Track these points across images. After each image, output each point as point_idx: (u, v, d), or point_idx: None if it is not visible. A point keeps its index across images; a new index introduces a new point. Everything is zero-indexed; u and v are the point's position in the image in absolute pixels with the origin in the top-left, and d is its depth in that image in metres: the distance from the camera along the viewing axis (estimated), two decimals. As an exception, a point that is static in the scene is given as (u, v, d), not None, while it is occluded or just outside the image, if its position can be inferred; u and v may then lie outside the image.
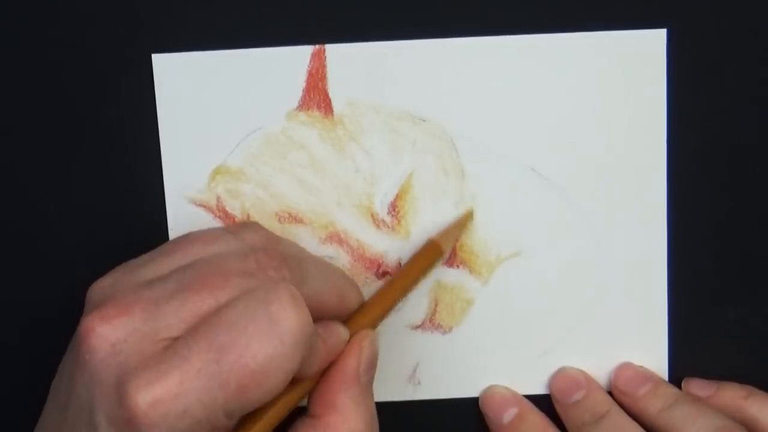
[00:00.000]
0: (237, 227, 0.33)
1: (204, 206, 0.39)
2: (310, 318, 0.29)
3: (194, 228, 0.39)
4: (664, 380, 0.39)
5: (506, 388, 0.40)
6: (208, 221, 0.39)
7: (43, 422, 0.31)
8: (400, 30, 0.38)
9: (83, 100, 0.38)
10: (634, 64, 0.38)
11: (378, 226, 0.39)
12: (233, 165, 0.39)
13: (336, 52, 0.38)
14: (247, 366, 0.27)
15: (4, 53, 0.38)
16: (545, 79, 0.38)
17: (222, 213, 0.39)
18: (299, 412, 0.31)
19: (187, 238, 0.32)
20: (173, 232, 0.39)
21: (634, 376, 0.39)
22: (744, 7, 0.38)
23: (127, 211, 0.39)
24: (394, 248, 0.39)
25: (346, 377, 0.32)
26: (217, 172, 0.39)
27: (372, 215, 0.39)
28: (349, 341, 0.32)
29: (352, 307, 0.34)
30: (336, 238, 0.39)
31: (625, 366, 0.39)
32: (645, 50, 0.38)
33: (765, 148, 0.39)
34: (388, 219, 0.39)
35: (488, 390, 0.40)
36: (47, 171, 0.39)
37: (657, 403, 0.38)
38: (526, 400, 0.39)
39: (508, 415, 0.39)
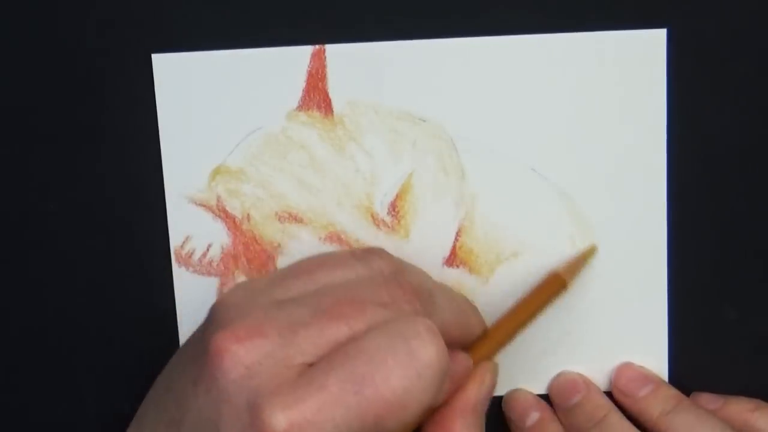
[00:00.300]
0: (363, 253, 0.33)
1: (204, 206, 0.39)
2: (447, 353, 0.29)
3: (195, 228, 0.39)
4: (665, 382, 0.39)
5: (530, 392, 0.40)
6: (208, 221, 0.39)
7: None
8: (400, 30, 0.38)
9: (83, 100, 0.38)
10: (634, 64, 0.38)
11: (378, 226, 0.39)
12: (233, 165, 0.39)
13: (336, 52, 0.38)
14: (386, 398, 0.28)
15: (4, 53, 0.38)
16: (545, 79, 0.38)
17: (222, 213, 0.39)
18: None
19: (315, 262, 0.32)
20: (173, 232, 0.39)
21: (636, 377, 0.39)
22: (744, 7, 0.38)
23: (127, 211, 0.39)
24: (394, 248, 0.39)
25: (465, 407, 0.32)
26: (217, 172, 0.39)
27: (372, 215, 0.39)
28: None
29: (475, 335, 0.35)
30: (336, 238, 0.39)
31: (626, 366, 0.39)
32: (645, 50, 0.38)
33: (765, 148, 0.39)
34: (388, 219, 0.39)
35: (512, 393, 0.40)
36: (47, 171, 0.39)
37: (657, 405, 0.38)
38: (548, 406, 0.40)
39: (531, 419, 0.39)
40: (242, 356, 0.28)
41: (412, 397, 0.28)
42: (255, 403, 0.27)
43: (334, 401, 0.27)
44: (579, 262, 0.39)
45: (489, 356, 0.35)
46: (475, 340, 0.35)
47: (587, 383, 0.39)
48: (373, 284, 0.31)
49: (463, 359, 0.33)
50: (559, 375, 0.40)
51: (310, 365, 0.28)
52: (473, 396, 0.32)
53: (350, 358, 0.28)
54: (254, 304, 0.30)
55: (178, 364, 0.31)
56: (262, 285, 0.31)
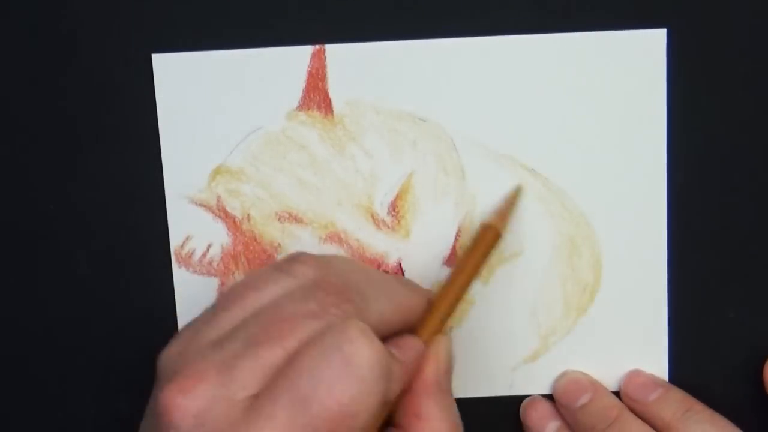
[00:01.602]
0: (287, 264, 0.32)
1: (204, 206, 0.39)
2: (384, 349, 0.29)
3: (195, 228, 0.39)
4: (673, 386, 0.39)
5: (547, 401, 0.40)
6: (208, 221, 0.39)
7: None
8: (400, 30, 0.38)
9: (83, 100, 0.38)
10: (634, 64, 0.38)
11: (378, 226, 0.39)
12: (233, 165, 0.39)
13: (336, 52, 0.38)
14: (335, 412, 0.27)
15: (4, 53, 0.38)
16: (545, 79, 0.38)
17: (222, 213, 0.39)
18: (385, 424, 0.31)
19: (240, 288, 0.32)
20: (173, 232, 0.39)
21: (644, 382, 0.39)
22: (744, 7, 0.38)
23: (127, 211, 0.39)
24: (394, 248, 0.39)
25: (427, 385, 0.32)
26: (217, 172, 0.39)
27: (372, 215, 0.39)
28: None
29: (420, 311, 0.34)
30: (336, 238, 0.39)
31: (635, 373, 0.39)
32: (645, 50, 0.38)
33: (765, 148, 0.39)
34: (388, 219, 0.39)
35: (530, 402, 0.40)
36: (47, 171, 0.39)
37: (669, 408, 0.38)
38: (561, 415, 0.40)
39: (549, 429, 0.39)
40: (189, 407, 0.28)
41: (360, 403, 0.28)
42: None
43: (286, 429, 0.27)
44: (507, 208, 0.38)
45: (439, 329, 0.34)
46: (423, 315, 0.34)
47: (593, 383, 0.39)
48: (299, 296, 0.30)
49: (412, 342, 0.32)
50: (562, 375, 0.40)
51: (256, 396, 0.28)
52: (432, 375, 0.32)
53: (291, 380, 0.28)
54: (192, 349, 0.30)
55: (144, 423, 0.31)
56: (198, 327, 0.31)
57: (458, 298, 0.35)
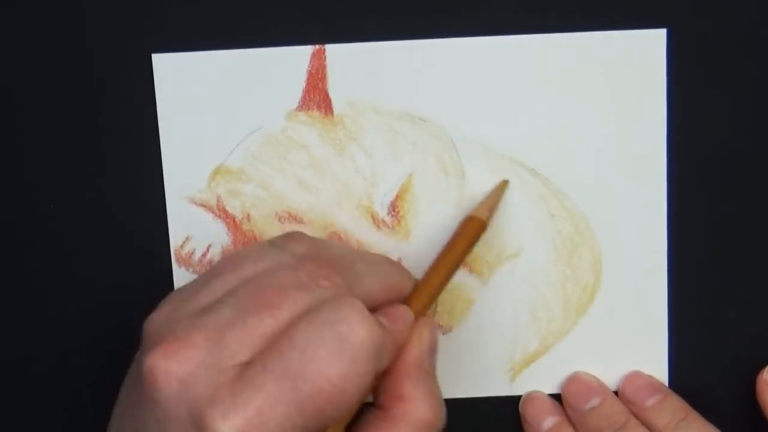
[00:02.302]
0: (282, 239, 0.33)
1: (204, 206, 0.39)
2: (377, 326, 0.29)
3: (195, 228, 0.39)
4: (672, 392, 0.39)
5: (547, 395, 0.40)
6: (208, 221, 0.39)
7: None
8: (400, 30, 0.38)
9: (83, 100, 0.38)
10: (634, 64, 0.38)
11: (378, 226, 0.39)
12: (233, 165, 0.39)
13: (336, 52, 0.38)
14: (324, 389, 0.27)
15: (4, 53, 0.38)
16: (545, 79, 0.38)
17: (222, 213, 0.39)
18: (366, 404, 0.31)
19: (235, 257, 0.32)
20: (173, 232, 0.39)
21: (643, 386, 0.39)
22: (744, 7, 0.38)
23: (127, 211, 0.39)
24: (394, 248, 0.39)
25: (410, 367, 0.32)
26: (217, 172, 0.39)
27: (372, 215, 0.39)
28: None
29: (405, 293, 0.34)
30: (336, 238, 0.39)
31: (635, 374, 0.39)
32: (645, 50, 0.38)
33: (765, 148, 0.39)
34: (388, 219, 0.39)
35: (529, 395, 0.40)
36: (47, 171, 0.39)
37: (665, 416, 0.38)
38: (563, 411, 0.40)
39: (547, 423, 0.39)
40: (174, 370, 0.28)
41: (350, 381, 0.28)
42: (197, 415, 0.27)
43: (274, 401, 0.27)
44: (494, 200, 0.38)
45: (423, 311, 0.34)
46: (407, 297, 0.34)
47: (603, 387, 0.39)
48: (290, 268, 0.30)
49: (402, 311, 0.32)
50: (573, 376, 0.40)
51: (247, 363, 0.28)
52: (416, 355, 0.32)
53: (282, 354, 0.28)
54: (181, 315, 0.30)
55: (125, 389, 0.31)
56: (188, 293, 0.31)
57: (443, 284, 0.35)
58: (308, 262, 0.31)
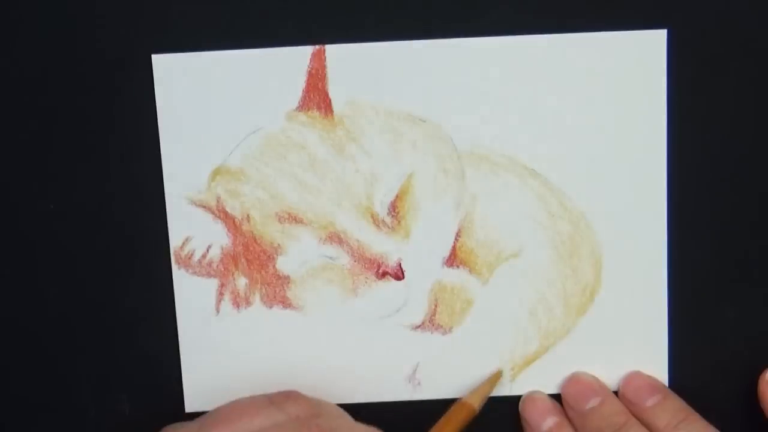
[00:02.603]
0: (280, 398, 0.34)
1: (204, 206, 0.39)
2: None
3: (195, 229, 0.39)
4: (672, 393, 0.39)
5: (548, 396, 0.40)
6: (208, 222, 0.39)
7: None
8: (400, 30, 0.38)
9: (83, 101, 0.38)
10: (634, 64, 0.38)
11: (378, 227, 0.39)
12: (233, 165, 0.39)
13: (336, 52, 0.38)
14: None
15: (5, 53, 0.38)
16: (545, 79, 0.38)
17: (222, 213, 0.39)
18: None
19: (234, 409, 0.33)
20: (173, 233, 0.39)
21: (643, 386, 0.39)
22: (744, 7, 0.38)
23: (127, 211, 0.39)
24: (394, 248, 0.39)
25: None
26: (217, 172, 0.39)
27: (372, 215, 0.39)
28: None
29: None
30: (336, 238, 0.39)
31: (635, 374, 0.39)
32: (645, 50, 0.38)
33: (765, 148, 0.39)
34: (388, 219, 0.39)
35: (529, 396, 0.40)
36: (47, 171, 0.39)
37: (664, 417, 0.38)
38: (563, 411, 0.40)
39: (547, 423, 0.39)
40: None
41: None
42: None
43: None
44: (486, 388, 0.39)
45: None
46: None
47: (603, 387, 0.39)
48: (283, 430, 0.32)
49: None
50: (573, 376, 0.40)
51: None
52: None
53: None
54: None
55: None
56: None
57: None
58: (303, 429, 0.32)
